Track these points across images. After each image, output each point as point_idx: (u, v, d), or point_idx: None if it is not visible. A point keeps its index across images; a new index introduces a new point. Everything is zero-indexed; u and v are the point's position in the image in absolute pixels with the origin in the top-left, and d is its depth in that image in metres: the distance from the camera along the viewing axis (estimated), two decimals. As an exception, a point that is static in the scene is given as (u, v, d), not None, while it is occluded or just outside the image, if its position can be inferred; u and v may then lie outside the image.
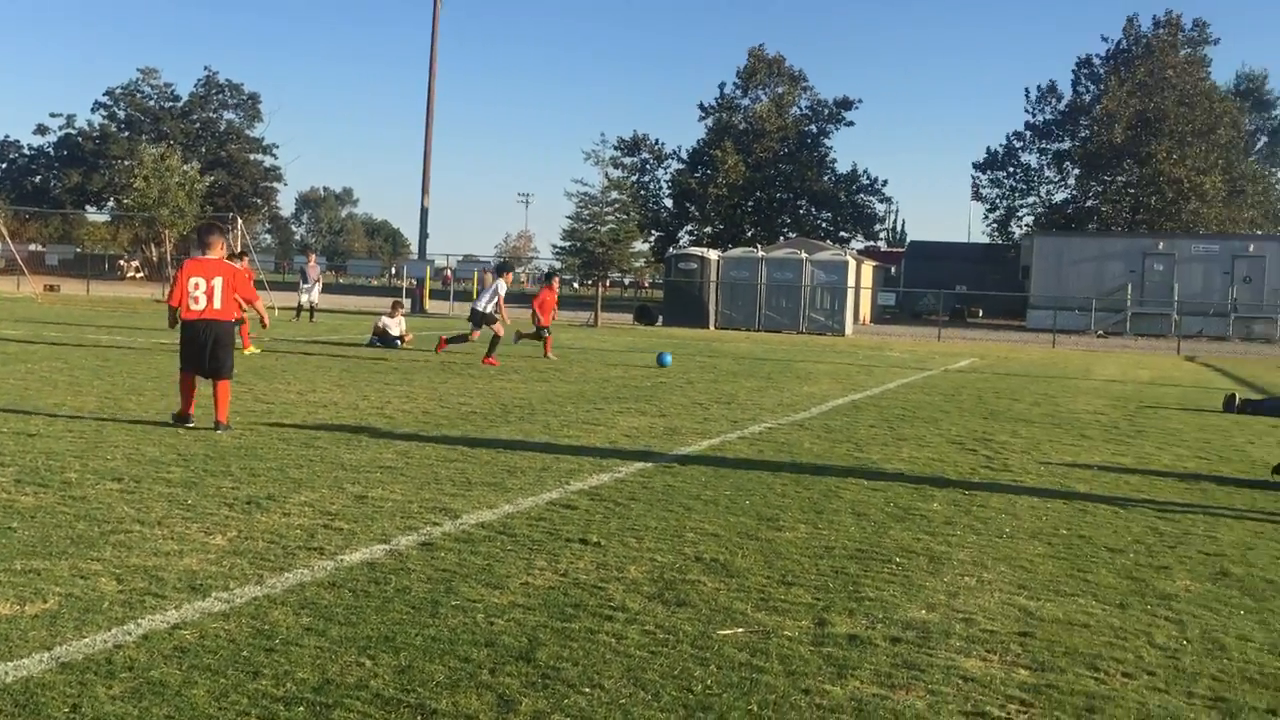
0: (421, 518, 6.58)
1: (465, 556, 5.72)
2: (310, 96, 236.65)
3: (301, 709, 3.71)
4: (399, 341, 21.37)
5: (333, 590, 5.04)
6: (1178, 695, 4.21)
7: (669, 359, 19.56)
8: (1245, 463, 10.53)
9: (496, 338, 18.16)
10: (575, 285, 69.16)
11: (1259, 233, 58.60)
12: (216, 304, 9.71)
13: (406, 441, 9.49)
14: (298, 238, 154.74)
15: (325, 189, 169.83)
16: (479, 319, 18.60)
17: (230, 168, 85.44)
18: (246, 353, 17.89)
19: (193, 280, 9.66)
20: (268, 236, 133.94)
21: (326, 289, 32.72)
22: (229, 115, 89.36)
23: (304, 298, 30.76)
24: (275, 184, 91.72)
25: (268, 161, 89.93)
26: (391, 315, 22.04)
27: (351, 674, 4.04)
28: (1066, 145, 65.86)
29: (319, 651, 4.26)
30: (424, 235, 43.61)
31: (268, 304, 35.00)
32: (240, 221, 36.68)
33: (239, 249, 28.70)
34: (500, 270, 20.12)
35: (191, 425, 9.58)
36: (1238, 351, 36.63)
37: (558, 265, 39.70)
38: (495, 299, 18.45)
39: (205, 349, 9.61)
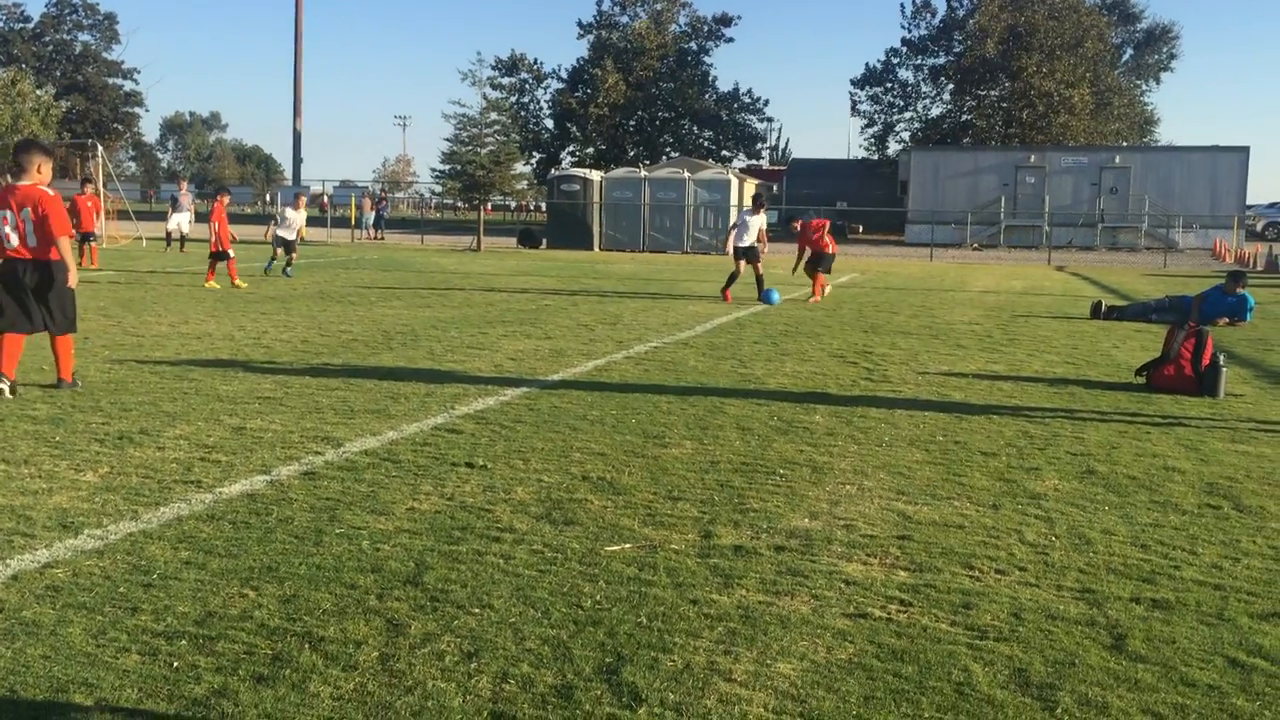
0: (303, 447, 6.46)
1: (349, 484, 5.64)
2: (171, 16, 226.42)
3: (184, 643, 3.64)
4: (295, 242, 20.74)
5: (212, 523, 4.93)
6: (1048, 589, 4.39)
7: (777, 296, 17.50)
8: (1110, 366, 10.96)
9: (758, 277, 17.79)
10: (457, 209, 68.12)
11: (1124, 144, 60.43)
12: (31, 240, 7.88)
13: (285, 372, 9.28)
14: (164, 165, 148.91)
15: (191, 114, 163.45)
16: (740, 253, 17.67)
17: (88, 92, 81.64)
18: (209, 286, 17.58)
19: (1, 213, 7.87)
20: (132, 164, 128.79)
21: (197, 217, 31.51)
22: (84, 37, 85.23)
23: (171, 225, 29.74)
24: (137, 109, 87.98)
25: (128, 86, 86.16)
26: (295, 209, 21.21)
27: (234, 606, 3.97)
28: (942, 60, 66.65)
29: (199, 585, 4.17)
30: (298, 160, 42.43)
31: (135, 234, 33.85)
32: (101, 149, 35.06)
33: (98, 177, 27.32)
34: (756, 203, 18.56)
35: (6, 395, 7.73)
36: (1104, 260, 37.95)
37: (438, 189, 38.96)
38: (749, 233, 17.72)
39: (26, 296, 7.88)
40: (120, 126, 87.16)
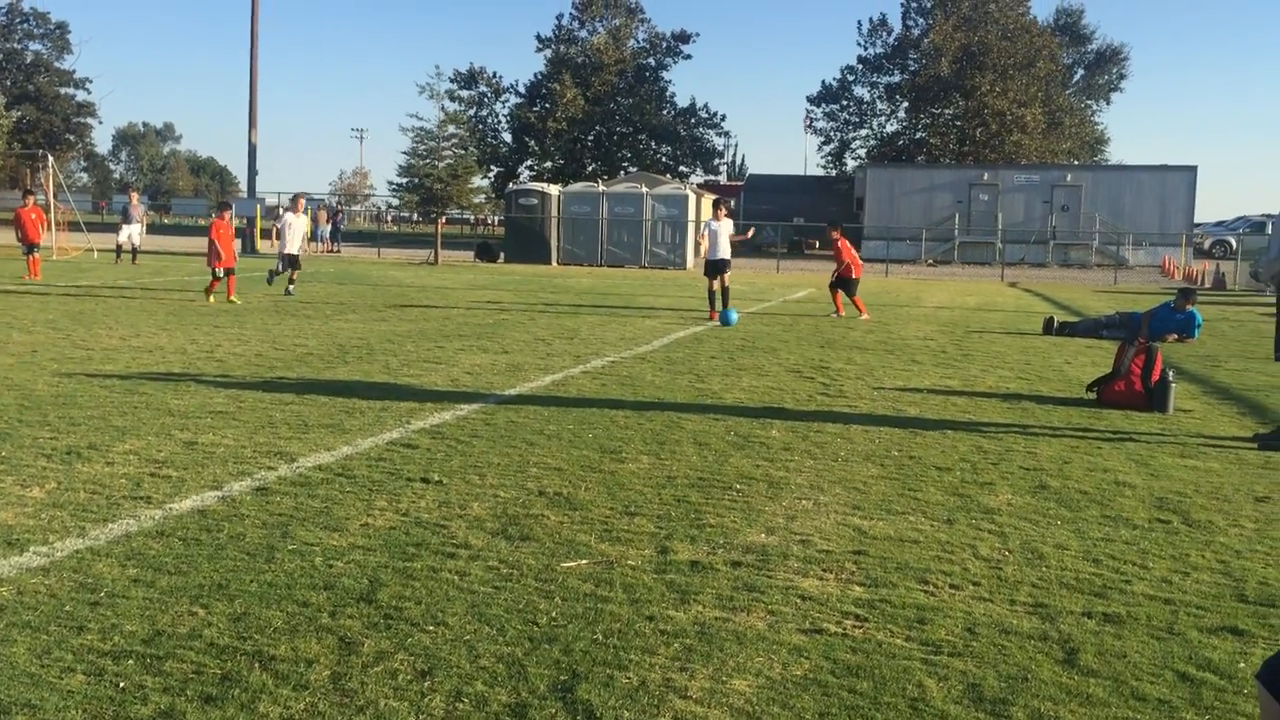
0: (256, 462, 6.38)
1: (302, 500, 5.58)
2: (125, 26, 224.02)
3: (131, 662, 3.57)
4: (298, 256, 19.53)
5: (161, 540, 4.86)
6: (1001, 603, 4.42)
7: (735, 316, 16.80)
8: (1062, 381, 11.08)
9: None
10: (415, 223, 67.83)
11: (1075, 163, 61.28)
12: None
13: (239, 386, 9.18)
14: (117, 176, 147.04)
15: (145, 124, 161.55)
16: (712, 267, 17.13)
17: (39, 102, 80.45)
18: (234, 300, 17.23)
19: None
20: (84, 175, 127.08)
21: (151, 229, 31.09)
22: (35, 46, 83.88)
23: (122, 237, 29.31)
24: (89, 119, 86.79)
25: (80, 96, 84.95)
26: (295, 212, 19.91)
27: (183, 624, 3.91)
28: (897, 78, 67.34)
29: (147, 603, 4.10)
30: (253, 172, 42.03)
31: (86, 245, 33.36)
32: (51, 159, 34.56)
33: (49, 188, 26.88)
34: (716, 208, 18.10)
35: None
36: (1056, 277, 38.43)
37: (394, 202, 38.71)
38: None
39: None
40: (72, 137, 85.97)
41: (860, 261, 19.28)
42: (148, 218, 30.37)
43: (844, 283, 18.98)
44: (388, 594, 4.27)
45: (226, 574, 4.44)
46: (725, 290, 17.13)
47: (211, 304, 17.09)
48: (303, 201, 20.69)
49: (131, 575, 4.39)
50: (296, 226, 19.39)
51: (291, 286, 19.36)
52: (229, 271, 17.59)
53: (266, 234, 43.39)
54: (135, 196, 31.88)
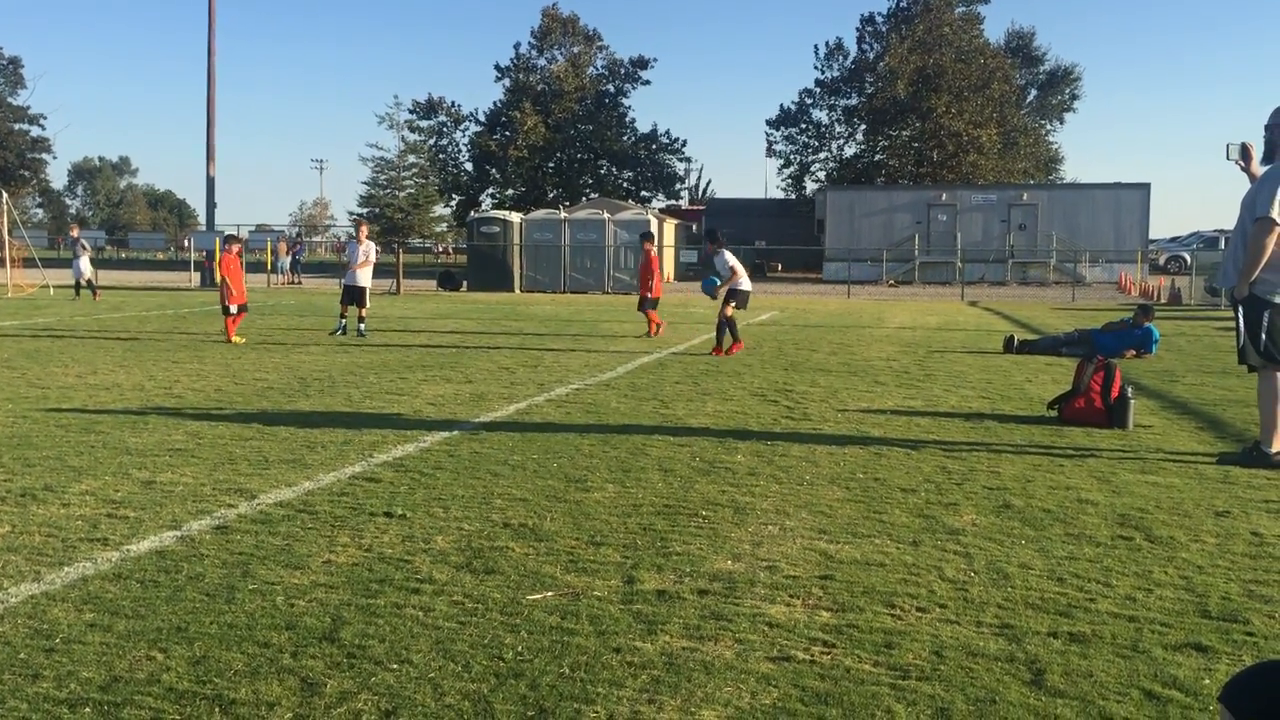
0: (215, 500, 6.30)
1: (263, 538, 5.50)
2: (79, 60, 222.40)
3: (87, 710, 3.50)
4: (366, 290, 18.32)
5: (118, 582, 4.77)
6: (968, 625, 4.42)
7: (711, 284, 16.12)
8: (1024, 400, 11.16)
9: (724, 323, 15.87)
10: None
11: (1031, 182, 62.06)
12: None
13: (198, 421, 9.07)
14: (73, 210, 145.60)
15: (101, 159, 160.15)
16: (739, 298, 16.00)
17: (-8, 138, 79.65)
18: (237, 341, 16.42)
19: None
20: (39, 211, 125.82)
21: (106, 264, 30.74)
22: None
23: (88, 273, 28.84)
24: (44, 155, 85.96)
25: (34, 131, 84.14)
26: (359, 240, 18.94)
27: (141, 669, 3.83)
28: (854, 101, 67.98)
29: (104, 648, 4.02)
30: (211, 205, 41.65)
31: (42, 282, 32.98)
32: (5, 195, 34.16)
33: (2, 224, 26.53)
34: (714, 238, 16.84)
35: None
36: (1015, 295, 38.81)
37: (354, 232, 38.53)
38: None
39: None
40: (27, 173, 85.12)
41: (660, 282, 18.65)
42: (89, 250, 29.80)
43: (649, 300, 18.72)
44: (351, 632, 4.21)
45: (185, 616, 4.37)
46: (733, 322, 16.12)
47: (239, 342, 16.44)
48: (365, 226, 19.95)
49: (88, 620, 4.31)
50: (364, 258, 18.54)
51: (362, 326, 18.39)
52: (242, 309, 17.00)
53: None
54: (76, 229, 31.49)
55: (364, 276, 18.44)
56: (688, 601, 4.65)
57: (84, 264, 28.77)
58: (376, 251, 20.25)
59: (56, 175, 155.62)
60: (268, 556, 5.19)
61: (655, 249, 19.68)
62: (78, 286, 29.08)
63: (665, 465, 7.51)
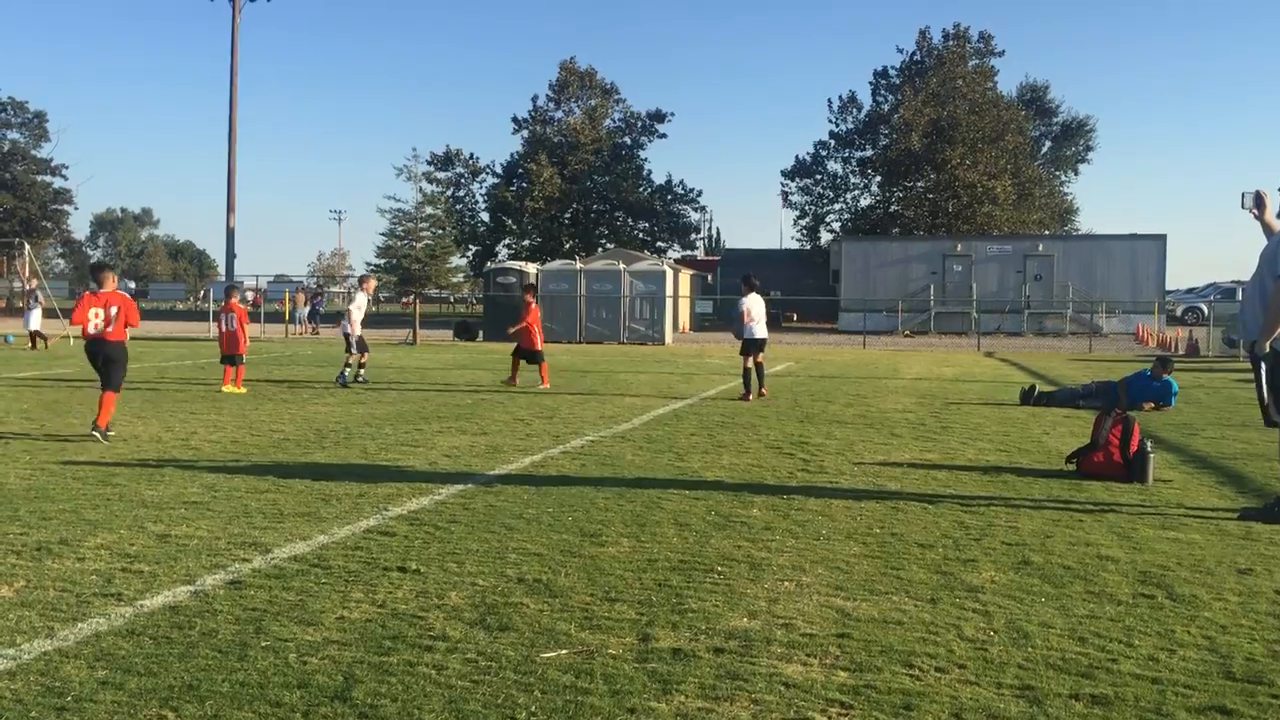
0: (229, 554, 6.28)
1: (276, 593, 5.48)
2: (103, 113, 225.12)
3: (97, 772, 3.47)
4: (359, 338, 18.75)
5: (131, 639, 4.75)
6: (988, 686, 4.36)
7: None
8: (1042, 453, 11.09)
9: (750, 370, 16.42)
10: (380, 301, 67.81)
11: (1047, 233, 62.07)
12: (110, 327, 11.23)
13: (214, 474, 9.08)
14: (94, 262, 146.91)
15: (123, 210, 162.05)
16: (753, 346, 16.46)
17: (15, 190, 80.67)
18: (226, 390, 16.65)
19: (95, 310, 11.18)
20: (61, 261, 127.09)
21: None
22: (13, 135, 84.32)
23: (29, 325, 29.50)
24: (66, 206, 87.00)
25: (57, 183, 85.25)
26: (363, 290, 19.64)
27: (152, 729, 3.80)
28: (869, 153, 68.33)
29: (116, 706, 4.00)
30: (231, 256, 42.08)
31: (62, 333, 33.26)
32: (28, 247, 34.55)
33: (28, 275, 26.82)
34: (749, 283, 17.11)
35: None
36: (1032, 346, 38.69)
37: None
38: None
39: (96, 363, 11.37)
40: (49, 224, 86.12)
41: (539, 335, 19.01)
42: (45, 300, 30.37)
43: (528, 353, 18.88)
44: (363, 691, 4.18)
45: (198, 673, 4.34)
46: (760, 367, 16.70)
47: (242, 391, 16.64)
48: (372, 283, 20.68)
49: (100, 677, 4.29)
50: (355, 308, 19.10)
51: (361, 372, 18.75)
52: (236, 358, 17.14)
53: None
54: (34, 282, 31.94)
55: (352, 324, 18.89)
56: (703, 660, 4.60)
57: (35, 317, 29.31)
58: (370, 303, 20.89)
59: (79, 226, 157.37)
60: (281, 612, 5.17)
61: (536, 299, 19.99)
62: (34, 338, 29.51)
63: (680, 519, 7.47)
